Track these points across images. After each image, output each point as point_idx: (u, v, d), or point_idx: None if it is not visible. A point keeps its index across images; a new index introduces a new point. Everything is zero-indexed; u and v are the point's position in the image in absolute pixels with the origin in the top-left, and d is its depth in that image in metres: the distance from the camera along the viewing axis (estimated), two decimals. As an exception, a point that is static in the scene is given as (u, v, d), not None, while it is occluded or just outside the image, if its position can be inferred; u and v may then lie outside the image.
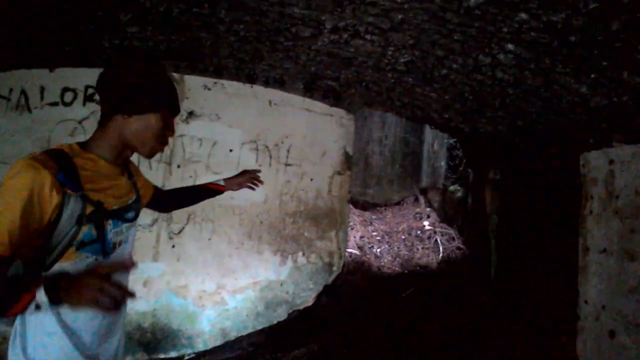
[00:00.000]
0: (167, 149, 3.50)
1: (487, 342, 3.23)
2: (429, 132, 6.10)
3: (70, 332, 1.17)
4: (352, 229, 4.56)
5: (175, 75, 3.55)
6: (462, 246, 4.71)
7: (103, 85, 1.26)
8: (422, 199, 5.63)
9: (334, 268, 3.90)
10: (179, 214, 3.52)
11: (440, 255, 4.51)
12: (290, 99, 3.86)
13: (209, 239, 3.59)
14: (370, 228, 4.72)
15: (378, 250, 4.39)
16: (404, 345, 3.28)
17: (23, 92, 3.31)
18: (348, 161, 4.02)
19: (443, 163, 5.52)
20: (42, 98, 3.33)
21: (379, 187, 5.70)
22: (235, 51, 3.18)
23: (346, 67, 3.23)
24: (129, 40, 3.07)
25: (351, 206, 4.85)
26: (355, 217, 4.71)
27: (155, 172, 3.47)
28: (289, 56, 3.20)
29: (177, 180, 3.52)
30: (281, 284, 3.75)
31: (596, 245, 2.78)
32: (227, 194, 3.73)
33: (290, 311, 3.75)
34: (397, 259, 4.27)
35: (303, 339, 3.59)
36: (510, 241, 3.80)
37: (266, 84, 3.77)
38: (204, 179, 3.59)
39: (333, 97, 3.90)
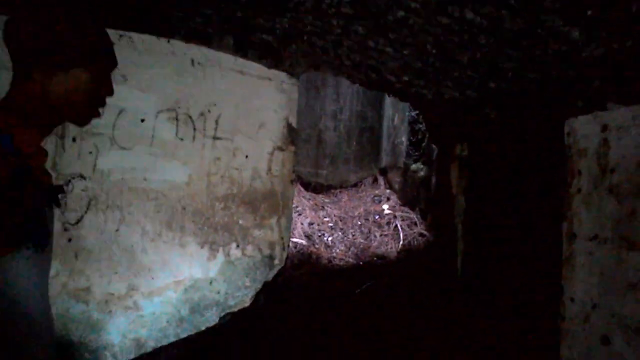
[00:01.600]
0: (58, 119, 2.76)
1: (456, 347, 2.72)
2: (389, 105, 5.49)
3: None
4: (299, 214, 3.95)
5: (68, 24, 2.79)
6: (425, 232, 4.18)
7: (12, 35, 1.01)
8: (381, 180, 5.07)
9: (276, 261, 3.29)
10: (76, 199, 2.80)
11: (401, 243, 3.97)
12: (218, 58, 3.16)
13: (117, 230, 2.89)
14: (321, 213, 4.13)
15: (330, 238, 3.80)
16: (359, 355, 2.74)
17: None
18: (291, 135, 3.39)
19: (404, 139, 4.94)
20: None
21: (334, 167, 5.08)
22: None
23: (281, 12, 2.57)
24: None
25: (301, 189, 4.25)
26: (304, 201, 4.11)
27: (44, 147, 2.72)
28: (207, -5, 2.51)
29: (73, 157, 2.78)
30: (210, 283, 3.11)
31: (585, 230, 2.28)
32: (139, 173, 3.07)
33: (222, 314, 3.13)
34: (352, 249, 3.70)
35: (238, 348, 2.99)
36: (479, 226, 3.30)
37: (187, 38, 3.06)
38: (108, 155, 2.88)
39: (271, 57, 3.23)
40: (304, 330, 2.90)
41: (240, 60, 3.22)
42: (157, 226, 2.99)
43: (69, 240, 2.79)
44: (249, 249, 3.22)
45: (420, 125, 4.27)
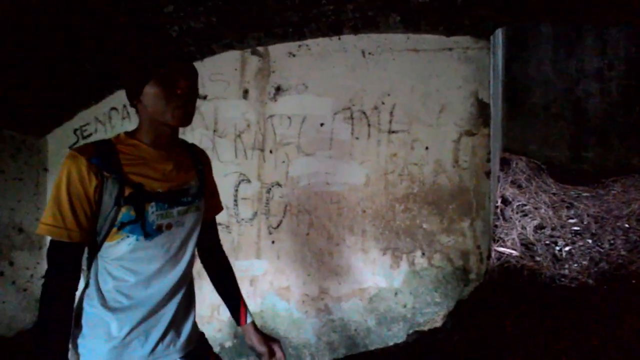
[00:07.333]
0: (259, 134, 3.11)
1: None
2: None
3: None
4: (524, 215, 2.91)
5: (260, 48, 3.12)
6: None
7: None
8: (690, 158, 3.12)
9: (471, 276, 2.60)
10: (276, 205, 3.07)
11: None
12: (389, 42, 2.82)
13: (307, 234, 3.00)
14: (565, 213, 2.89)
15: (565, 248, 2.61)
16: None
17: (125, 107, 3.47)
18: (483, 114, 2.61)
19: None
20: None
21: (604, 148, 3.47)
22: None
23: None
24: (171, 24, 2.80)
25: (549, 179, 3.19)
26: (542, 195, 2.98)
27: (250, 161, 3.14)
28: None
29: (270, 167, 3.09)
30: (395, 294, 2.78)
31: None
32: (323, 177, 3.06)
33: (410, 331, 2.73)
34: (601, 264, 2.41)
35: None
36: None
37: (355, 29, 2.87)
38: (295, 163, 3.03)
39: (448, 22, 2.61)
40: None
41: (413, 37, 2.76)
42: (339, 229, 2.91)
43: (272, 242, 3.09)
44: (437, 258, 2.68)
45: None
